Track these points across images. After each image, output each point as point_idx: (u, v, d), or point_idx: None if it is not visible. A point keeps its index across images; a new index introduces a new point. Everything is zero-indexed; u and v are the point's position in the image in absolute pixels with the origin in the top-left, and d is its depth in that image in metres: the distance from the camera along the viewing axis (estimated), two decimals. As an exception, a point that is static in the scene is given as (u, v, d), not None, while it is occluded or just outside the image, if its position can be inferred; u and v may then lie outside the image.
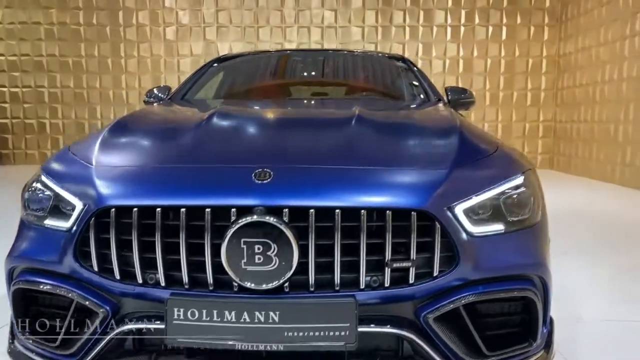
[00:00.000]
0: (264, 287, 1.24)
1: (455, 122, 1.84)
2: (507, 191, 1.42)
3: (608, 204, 5.75)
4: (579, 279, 2.87)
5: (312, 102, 2.81)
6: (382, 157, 1.50)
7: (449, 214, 1.32)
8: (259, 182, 1.30)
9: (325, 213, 1.26)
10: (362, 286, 1.28)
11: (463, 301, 1.31)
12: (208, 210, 1.25)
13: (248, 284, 1.25)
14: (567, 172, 8.50)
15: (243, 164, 1.41)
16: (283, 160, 1.45)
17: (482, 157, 1.55)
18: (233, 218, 1.24)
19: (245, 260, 1.23)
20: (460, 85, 8.96)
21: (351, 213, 1.27)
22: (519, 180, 1.46)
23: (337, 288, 1.27)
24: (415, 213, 1.28)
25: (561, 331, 1.74)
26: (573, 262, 3.20)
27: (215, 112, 1.89)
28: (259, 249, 1.22)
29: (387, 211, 1.27)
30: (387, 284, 1.29)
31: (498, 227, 1.39)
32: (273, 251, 1.22)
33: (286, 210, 1.24)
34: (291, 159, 1.47)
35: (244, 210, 1.24)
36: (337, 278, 1.27)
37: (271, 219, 1.22)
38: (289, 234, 1.22)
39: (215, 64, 3.27)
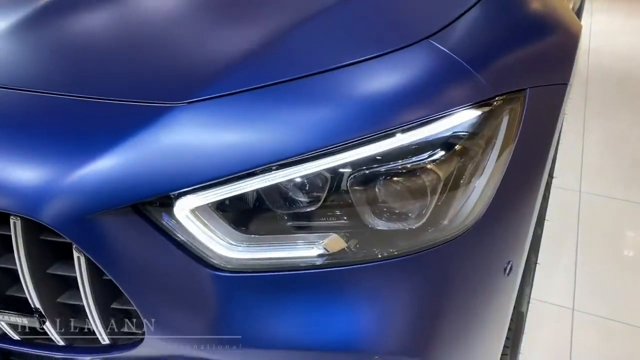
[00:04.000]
0: None
1: None
2: (387, 155, 0.58)
3: None
4: None
5: None
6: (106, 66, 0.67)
7: (156, 215, 0.57)
8: None
9: None
10: None
11: None
12: None
13: None
14: None
15: None
16: None
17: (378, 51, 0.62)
18: None
19: None
20: None
21: None
22: (458, 119, 0.59)
23: None
24: (19, 221, 0.57)
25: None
26: None
27: None
28: None
29: None
30: None
31: (313, 251, 0.57)
32: None
33: None
34: None
35: None
36: None
37: None
38: None
39: None
